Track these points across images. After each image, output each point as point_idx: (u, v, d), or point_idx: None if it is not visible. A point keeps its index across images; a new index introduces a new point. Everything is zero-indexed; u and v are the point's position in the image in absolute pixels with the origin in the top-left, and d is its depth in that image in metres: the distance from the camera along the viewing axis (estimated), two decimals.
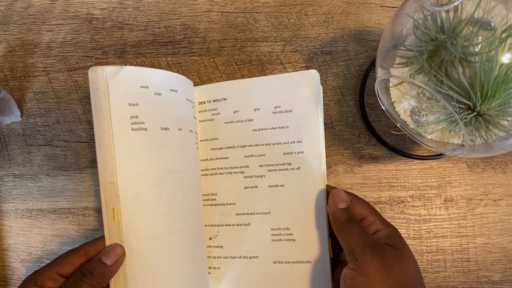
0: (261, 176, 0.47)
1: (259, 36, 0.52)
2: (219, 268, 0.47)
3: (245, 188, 0.47)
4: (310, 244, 0.45)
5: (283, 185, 0.46)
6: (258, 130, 0.47)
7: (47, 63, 0.51)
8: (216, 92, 0.49)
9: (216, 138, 0.48)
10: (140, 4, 0.52)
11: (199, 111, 0.49)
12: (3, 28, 0.51)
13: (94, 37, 0.52)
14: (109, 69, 0.39)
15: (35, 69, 0.51)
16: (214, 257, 0.47)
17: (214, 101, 0.49)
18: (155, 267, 0.40)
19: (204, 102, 0.49)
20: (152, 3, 0.52)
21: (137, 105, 0.40)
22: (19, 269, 0.49)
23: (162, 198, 0.41)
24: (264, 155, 0.47)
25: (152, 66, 0.51)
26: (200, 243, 0.45)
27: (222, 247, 0.47)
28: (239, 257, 0.47)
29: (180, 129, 0.43)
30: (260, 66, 0.51)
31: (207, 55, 0.51)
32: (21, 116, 0.50)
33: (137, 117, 0.40)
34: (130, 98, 0.40)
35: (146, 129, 0.40)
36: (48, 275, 0.37)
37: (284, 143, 0.46)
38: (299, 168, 0.46)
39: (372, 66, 0.50)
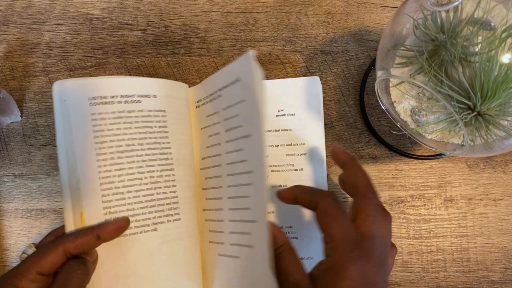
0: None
1: (259, 36, 0.52)
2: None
3: None
4: (312, 241, 0.47)
5: (286, 185, 0.48)
6: None
7: (47, 63, 0.51)
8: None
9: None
10: (140, 4, 0.52)
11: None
12: (3, 28, 0.51)
13: (94, 37, 0.52)
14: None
15: (35, 69, 0.51)
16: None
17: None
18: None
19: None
20: (152, 3, 0.52)
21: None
22: None
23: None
24: (267, 156, 0.48)
25: (152, 66, 0.51)
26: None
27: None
28: None
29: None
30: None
31: (207, 55, 0.51)
32: (21, 116, 0.50)
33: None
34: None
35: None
36: (29, 277, 0.35)
37: (287, 145, 0.48)
38: (301, 169, 0.48)
39: (372, 66, 0.50)
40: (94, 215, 0.39)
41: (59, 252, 0.36)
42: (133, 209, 0.41)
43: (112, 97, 0.41)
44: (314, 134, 0.49)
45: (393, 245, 0.37)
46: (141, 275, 0.41)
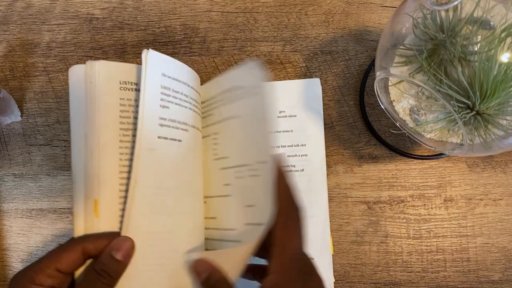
0: None
1: (259, 36, 0.52)
2: None
3: None
4: (313, 241, 0.47)
5: None
6: None
7: (47, 63, 0.51)
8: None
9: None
10: (140, 4, 0.52)
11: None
12: (3, 28, 0.52)
13: (94, 37, 0.52)
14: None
15: (35, 69, 0.51)
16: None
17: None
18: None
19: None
20: (152, 3, 0.52)
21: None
22: (19, 269, 0.49)
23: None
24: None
25: None
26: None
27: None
28: None
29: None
30: None
31: (207, 55, 0.51)
32: (21, 116, 0.50)
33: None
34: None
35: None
36: (47, 272, 0.34)
37: (288, 146, 0.49)
38: (302, 170, 0.48)
39: (372, 66, 0.50)
40: (109, 204, 0.38)
41: (78, 251, 0.35)
42: None
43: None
44: (315, 136, 0.49)
45: None
46: None
